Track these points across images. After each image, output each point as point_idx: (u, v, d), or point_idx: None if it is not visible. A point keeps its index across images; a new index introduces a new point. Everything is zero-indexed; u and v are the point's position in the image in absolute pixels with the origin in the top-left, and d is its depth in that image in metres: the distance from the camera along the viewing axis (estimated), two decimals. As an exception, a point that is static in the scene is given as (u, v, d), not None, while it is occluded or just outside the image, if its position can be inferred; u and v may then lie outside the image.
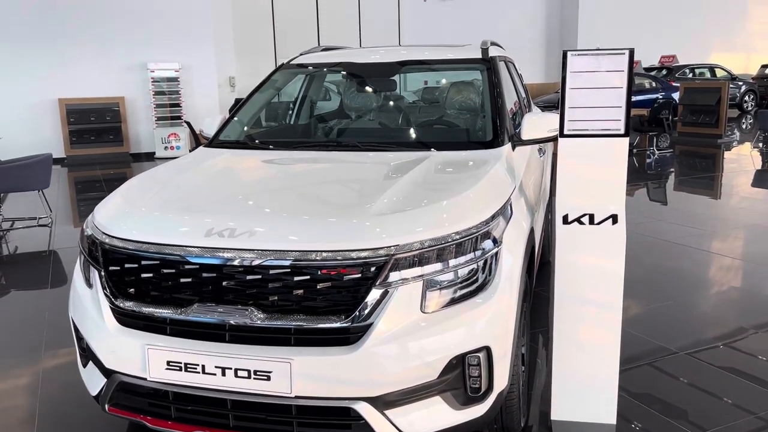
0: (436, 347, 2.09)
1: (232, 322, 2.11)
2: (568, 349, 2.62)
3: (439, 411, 2.13)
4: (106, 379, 2.33)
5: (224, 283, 2.14)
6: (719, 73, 18.41)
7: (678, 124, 13.31)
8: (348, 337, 2.06)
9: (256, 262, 2.09)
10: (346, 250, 2.06)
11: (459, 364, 2.13)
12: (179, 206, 2.51)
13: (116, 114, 12.47)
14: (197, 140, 4.22)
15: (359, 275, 2.06)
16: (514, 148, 3.06)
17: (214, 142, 3.48)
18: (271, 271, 2.09)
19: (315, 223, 2.23)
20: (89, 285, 2.43)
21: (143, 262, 2.25)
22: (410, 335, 2.06)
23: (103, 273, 2.32)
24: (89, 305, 2.37)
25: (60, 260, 5.53)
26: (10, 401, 3.12)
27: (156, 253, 2.21)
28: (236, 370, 2.08)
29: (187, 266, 2.18)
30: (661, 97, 14.37)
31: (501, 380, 2.22)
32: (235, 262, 2.10)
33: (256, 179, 2.99)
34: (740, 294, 4.48)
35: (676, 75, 17.02)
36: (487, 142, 3.10)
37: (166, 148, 12.92)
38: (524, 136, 3.02)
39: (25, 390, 3.22)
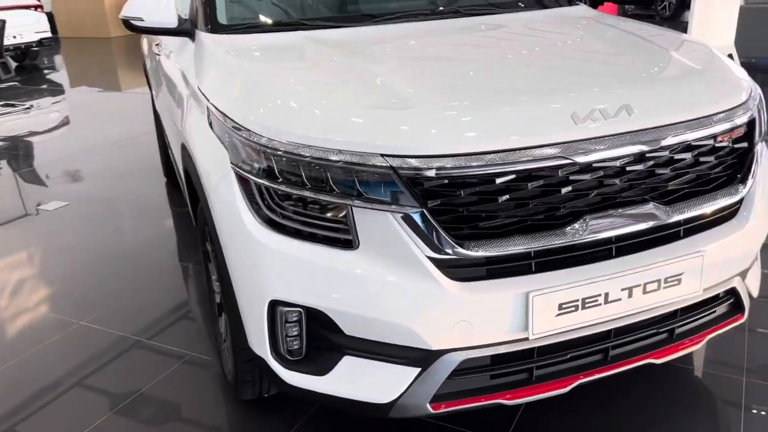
0: None
1: (631, 228, 1.61)
2: None
3: (758, 268, 2.08)
4: (418, 369, 1.57)
5: (617, 181, 1.61)
6: None
7: None
8: (736, 210, 1.82)
9: (662, 143, 1.62)
10: (729, 109, 1.77)
11: None
12: (495, 96, 1.70)
13: None
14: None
15: (745, 136, 1.82)
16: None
17: (222, 29, 2.29)
18: (671, 152, 1.68)
19: (668, 88, 1.78)
20: (351, 245, 1.52)
21: (498, 180, 1.51)
22: None
23: (424, 213, 1.48)
24: (375, 273, 1.52)
25: None
26: None
27: (512, 162, 1.50)
28: (644, 285, 1.64)
29: (562, 171, 1.55)
30: None
31: None
32: (633, 151, 1.59)
33: (461, 57, 2.13)
34: None
35: None
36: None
37: None
38: None
39: None
